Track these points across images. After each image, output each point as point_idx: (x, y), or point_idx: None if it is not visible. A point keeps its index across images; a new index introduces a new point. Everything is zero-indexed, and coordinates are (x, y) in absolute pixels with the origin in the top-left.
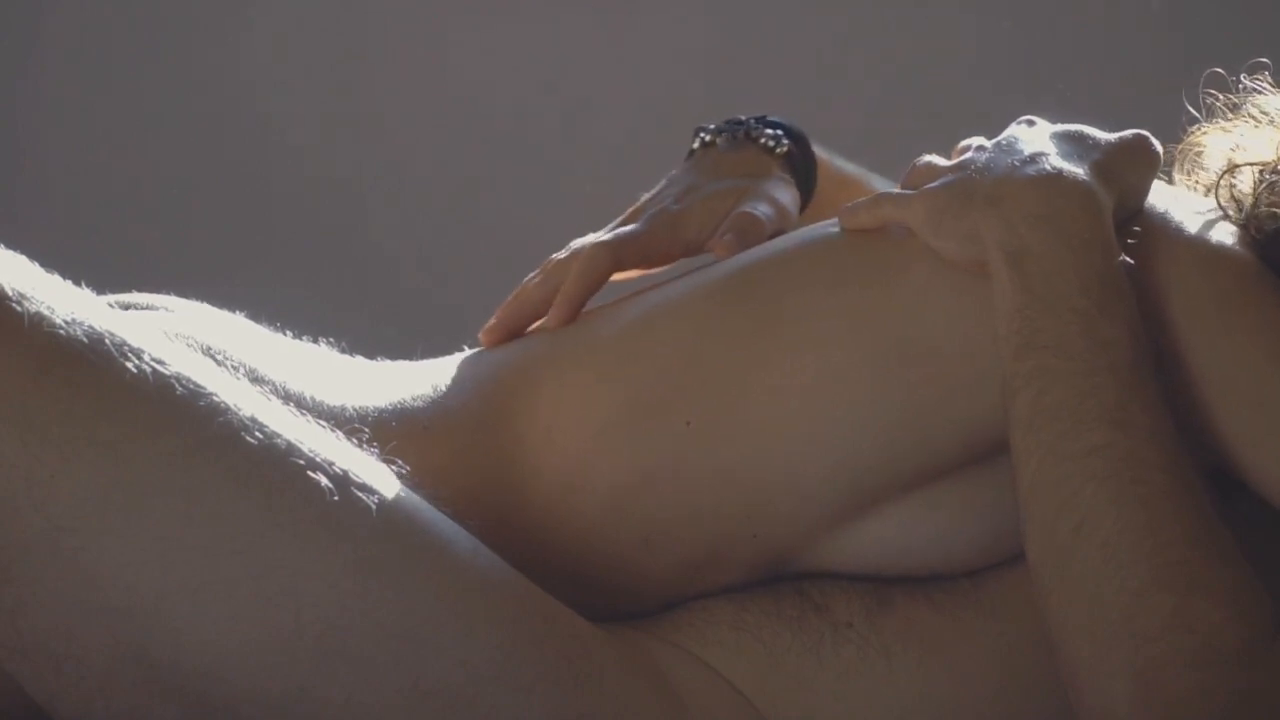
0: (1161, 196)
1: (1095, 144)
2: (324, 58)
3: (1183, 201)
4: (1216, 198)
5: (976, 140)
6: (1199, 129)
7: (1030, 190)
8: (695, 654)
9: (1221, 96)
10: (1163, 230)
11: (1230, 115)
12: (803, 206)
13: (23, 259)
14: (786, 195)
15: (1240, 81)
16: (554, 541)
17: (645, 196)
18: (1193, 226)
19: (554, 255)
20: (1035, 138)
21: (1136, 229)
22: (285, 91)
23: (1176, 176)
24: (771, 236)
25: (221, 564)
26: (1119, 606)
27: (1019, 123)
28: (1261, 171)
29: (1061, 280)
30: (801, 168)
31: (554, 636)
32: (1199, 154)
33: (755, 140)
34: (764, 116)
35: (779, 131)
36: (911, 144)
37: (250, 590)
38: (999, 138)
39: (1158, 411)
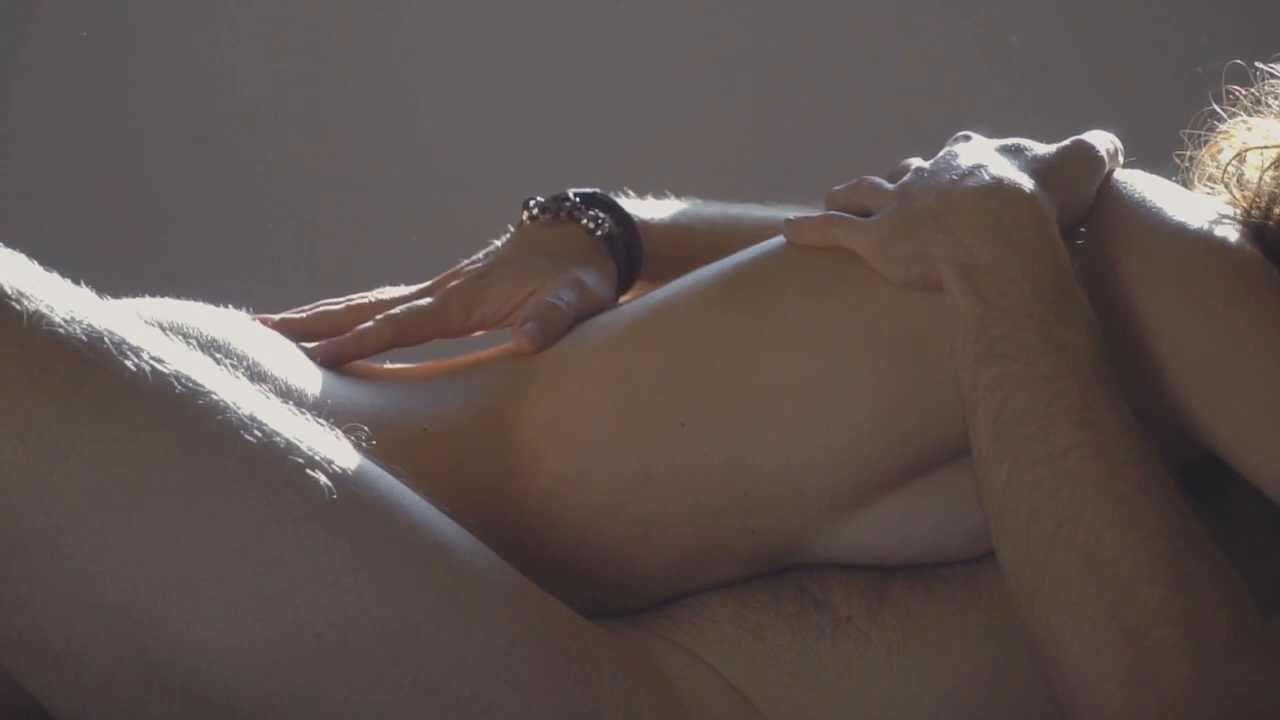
0: (1158, 191)
1: (1033, 154)
2: (322, 57)
3: (1181, 197)
4: (1225, 184)
5: (915, 161)
6: (1226, 128)
7: (972, 202)
8: (694, 652)
9: (1243, 91)
10: (1155, 226)
11: (1253, 109)
12: (628, 282)
13: (22, 258)
14: (594, 278)
15: (1257, 69)
16: (552, 539)
17: (464, 262)
18: (1188, 220)
19: (360, 296)
20: (972, 152)
21: (1133, 226)
22: (284, 90)
23: (1197, 159)
24: (576, 322)
25: (221, 562)
26: (1105, 604)
27: (955, 139)
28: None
29: (1013, 287)
30: (623, 248)
31: (553, 635)
32: (1218, 152)
33: (577, 220)
34: (595, 193)
35: (600, 214)
36: (912, 144)
37: (249, 588)
38: (936, 156)
39: (1123, 408)
